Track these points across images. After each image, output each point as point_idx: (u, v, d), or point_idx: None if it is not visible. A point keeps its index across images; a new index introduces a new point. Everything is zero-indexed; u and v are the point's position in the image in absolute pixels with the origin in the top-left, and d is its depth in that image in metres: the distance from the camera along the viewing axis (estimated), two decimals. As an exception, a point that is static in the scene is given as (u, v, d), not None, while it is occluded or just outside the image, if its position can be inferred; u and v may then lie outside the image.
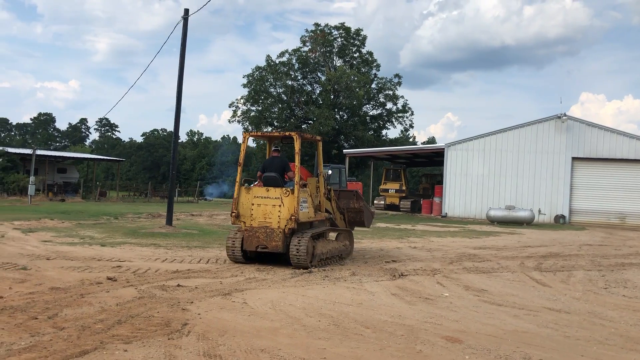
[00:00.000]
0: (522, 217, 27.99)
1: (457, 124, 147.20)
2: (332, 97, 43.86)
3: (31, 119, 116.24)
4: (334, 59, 46.20)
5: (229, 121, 46.35)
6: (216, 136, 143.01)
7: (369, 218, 14.12)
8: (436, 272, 11.14)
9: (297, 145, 10.99)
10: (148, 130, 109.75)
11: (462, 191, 31.86)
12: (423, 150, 37.18)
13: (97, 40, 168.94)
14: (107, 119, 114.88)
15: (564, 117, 30.79)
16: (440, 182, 33.64)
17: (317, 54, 44.70)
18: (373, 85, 46.35)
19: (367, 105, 46.57)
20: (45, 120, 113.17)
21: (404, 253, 14.30)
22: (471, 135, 32.68)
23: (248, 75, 44.35)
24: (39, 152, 39.49)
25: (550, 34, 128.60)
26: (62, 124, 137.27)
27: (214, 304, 7.36)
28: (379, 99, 46.51)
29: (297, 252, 10.44)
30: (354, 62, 45.95)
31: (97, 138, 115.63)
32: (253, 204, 10.85)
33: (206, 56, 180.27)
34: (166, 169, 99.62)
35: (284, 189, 10.75)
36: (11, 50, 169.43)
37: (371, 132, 45.63)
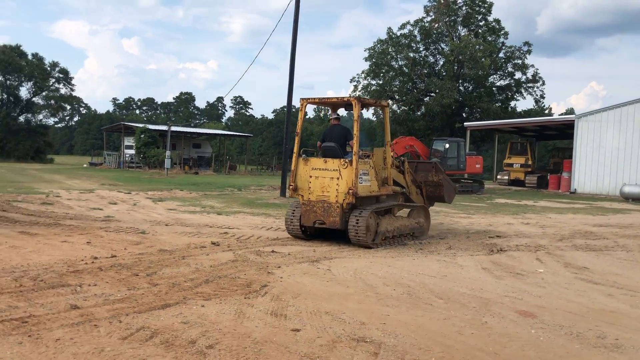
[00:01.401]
0: (663, 194, 25.54)
1: (602, 94, 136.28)
2: (455, 68, 42.55)
3: (174, 98, 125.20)
4: (458, 28, 44.66)
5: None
6: (342, 111, 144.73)
7: (449, 193, 12.90)
8: (540, 248, 10.69)
9: (355, 112, 9.96)
10: (278, 107, 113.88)
11: (593, 166, 29.65)
12: (551, 122, 34.95)
13: (232, 21, 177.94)
14: (241, 97, 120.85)
15: None
16: (571, 156, 31.59)
17: (440, 23, 43.47)
18: (501, 55, 44.24)
19: (494, 76, 44.61)
20: (185, 99, 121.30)
21: (513, 229, 13.80)
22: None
23: (369, 49, 44.36)
24: (176, 128, 42.63)
25: None
26: (201, 102, 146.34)
27: (298, 270, 7.74)
28: (507, 68, 44.32)
29: (356, 229, 9.61)
30: (479, 31, 44.08)
31: (232, 115, 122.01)
32: (311, 176, 10.08)
33: (334, 32, 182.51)
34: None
35: (342, 160, 9.82)
36: (157, 34, 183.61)
37: (498, 104, 43.70)
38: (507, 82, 44.97)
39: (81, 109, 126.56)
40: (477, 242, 11.28)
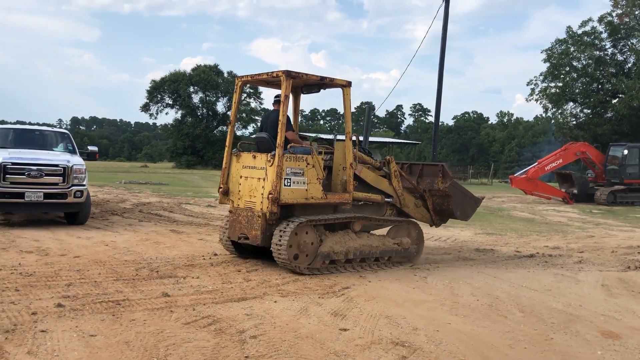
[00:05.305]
0: None
1: None
2: (650, 64, 38.09)
3: (355, 108, 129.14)
4: (653, 20, 39.89)
5: (527, 100, 44.12)
6: (529, 116, 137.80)
7: (464, 206, 9.62)
8: (694, 267, 9.41)
9: (283, 90, 7.71)
10: (459, 114, 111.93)
11: None
12: None
13: (415, 28, 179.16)
14: (420, 104, 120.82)
15: None
16: None
17: (631, 17, 39.26)
18: None
19: None
20: (364, 109, 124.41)
21: (678, 245, 12.22)
22: None
23: (547, 50, 41.64)
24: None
25: None
26: (381, 111, 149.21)
27: (392, 275, 7.86)
28: None
29: (278, 247, 7.48)
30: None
31: (411, 123, 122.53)
32: (241, 177, 8.19)
33: (524, 33, 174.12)
34: (475, 151, 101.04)
35: (269, 155, 7.68)
36: (342, 47, 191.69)
37: None
38: None
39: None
40: (620, 257, 10.27)
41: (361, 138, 9.29)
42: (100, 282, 6.65)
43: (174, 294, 6.23)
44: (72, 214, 11.54)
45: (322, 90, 8.89)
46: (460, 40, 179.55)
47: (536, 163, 24.31)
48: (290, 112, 8.99)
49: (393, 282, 7.45)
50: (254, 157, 7.99)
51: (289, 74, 7.70)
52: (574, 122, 43.00)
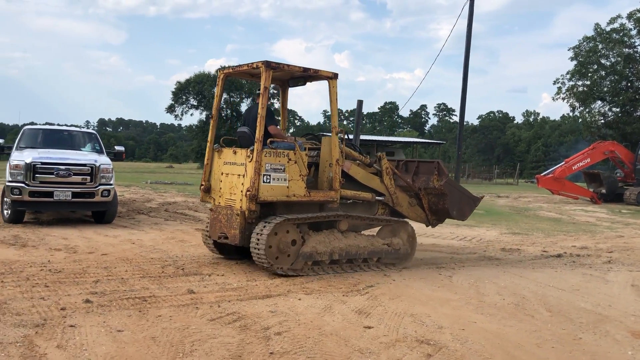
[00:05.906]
0: None
1: None
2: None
3: (378, 108, 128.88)
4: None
5: (553, 99, 43.64)
6: (556, 115, 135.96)
7: (461, 206, 9.06)
8: None
9: (262, 81, 7.31)
10: (484, 113, 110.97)
11: None
12: None
13: (440, 28, 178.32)
14: (444, 104, 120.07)
15: None
16: None
17: (662, 13, 38.46)
18: None
19: None
20: (390, 109, 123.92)
21: None
22: None
23: (574, 48, 41.03)
24: (366, 137, 44.13)
25: None
26: (404, 111, 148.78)
27: (417, 274, 7.81)
28: None
29: (257, 247, 7.09)
30: None
31: (435, 123, 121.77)
32: (222, 173, 7.86)
33: (550, 31, 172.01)
34: (500, 151, 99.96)
35: (248, 150, 7.32)
36: (366, 47, 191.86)
37: None
38: None
39: (296, 121, 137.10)
40: (652, 257, 10.07)
41: (351, 136, 8.93)
42: (127, 279, 6.74)
43: (199, 291, 6.28)
44: (100, 212, 11.72)
45: (307, 84, 8.54)
46: (485, 39, 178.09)
47: (563, 162, 23.96)
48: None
49: (417, 280, 7.41)
50: (235, 152, 7.66)
51: (268, 64, 7.32)
52: (602, 121, 42.33)
